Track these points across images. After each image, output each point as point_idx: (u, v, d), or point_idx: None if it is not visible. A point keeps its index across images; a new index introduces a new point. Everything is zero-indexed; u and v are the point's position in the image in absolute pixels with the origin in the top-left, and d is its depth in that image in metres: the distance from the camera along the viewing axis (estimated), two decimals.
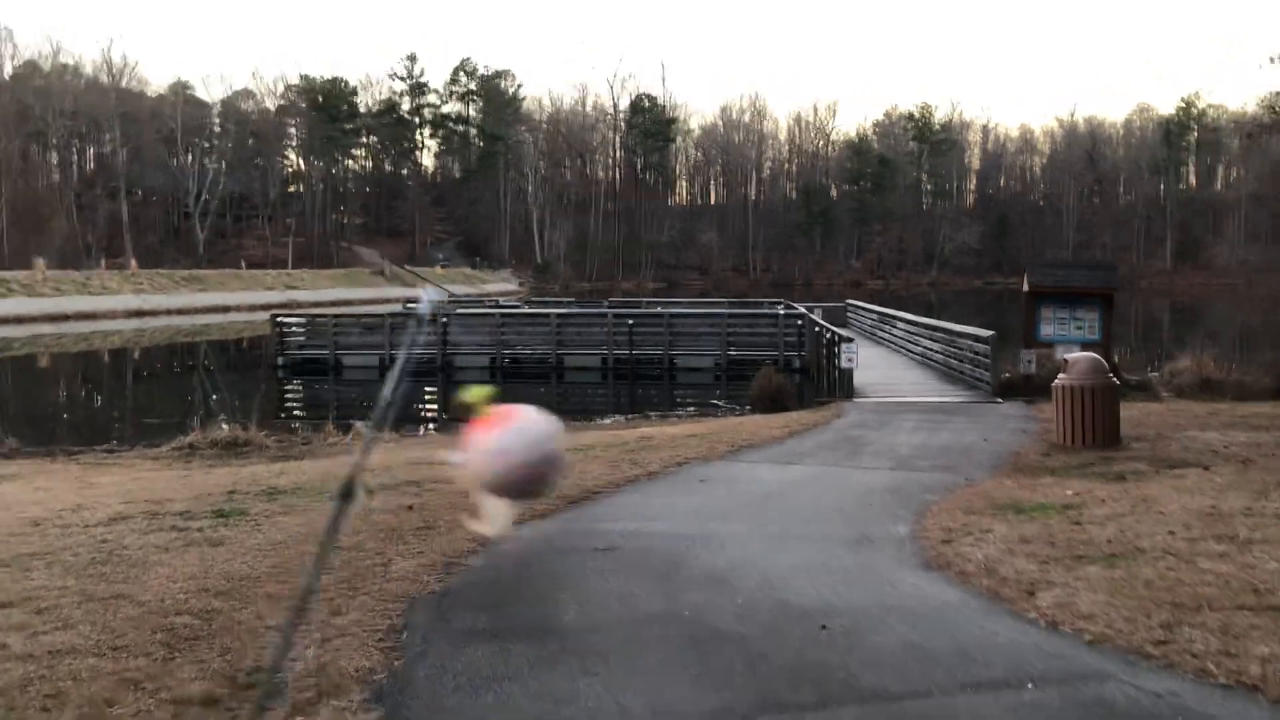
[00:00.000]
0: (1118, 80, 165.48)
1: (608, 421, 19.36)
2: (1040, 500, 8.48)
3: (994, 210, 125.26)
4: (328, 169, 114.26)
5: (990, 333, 18.24)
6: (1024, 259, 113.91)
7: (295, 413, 24.42)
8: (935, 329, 22.41)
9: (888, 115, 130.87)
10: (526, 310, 36.98)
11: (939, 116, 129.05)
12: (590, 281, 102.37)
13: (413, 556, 6.73)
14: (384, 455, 13.21)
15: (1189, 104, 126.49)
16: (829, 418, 15.26)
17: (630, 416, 20.25)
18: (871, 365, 21.44)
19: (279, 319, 29.92)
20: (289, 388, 27.83)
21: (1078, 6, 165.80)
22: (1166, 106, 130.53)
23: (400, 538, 7.26)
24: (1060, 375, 12.32)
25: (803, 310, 29.27)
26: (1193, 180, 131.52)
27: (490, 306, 38.65)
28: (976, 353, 18.88)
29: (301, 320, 31.29)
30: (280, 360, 28.84)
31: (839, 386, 18.34)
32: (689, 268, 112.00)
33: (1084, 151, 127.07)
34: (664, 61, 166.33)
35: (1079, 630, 4.94)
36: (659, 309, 35.21)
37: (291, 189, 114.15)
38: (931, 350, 22.67)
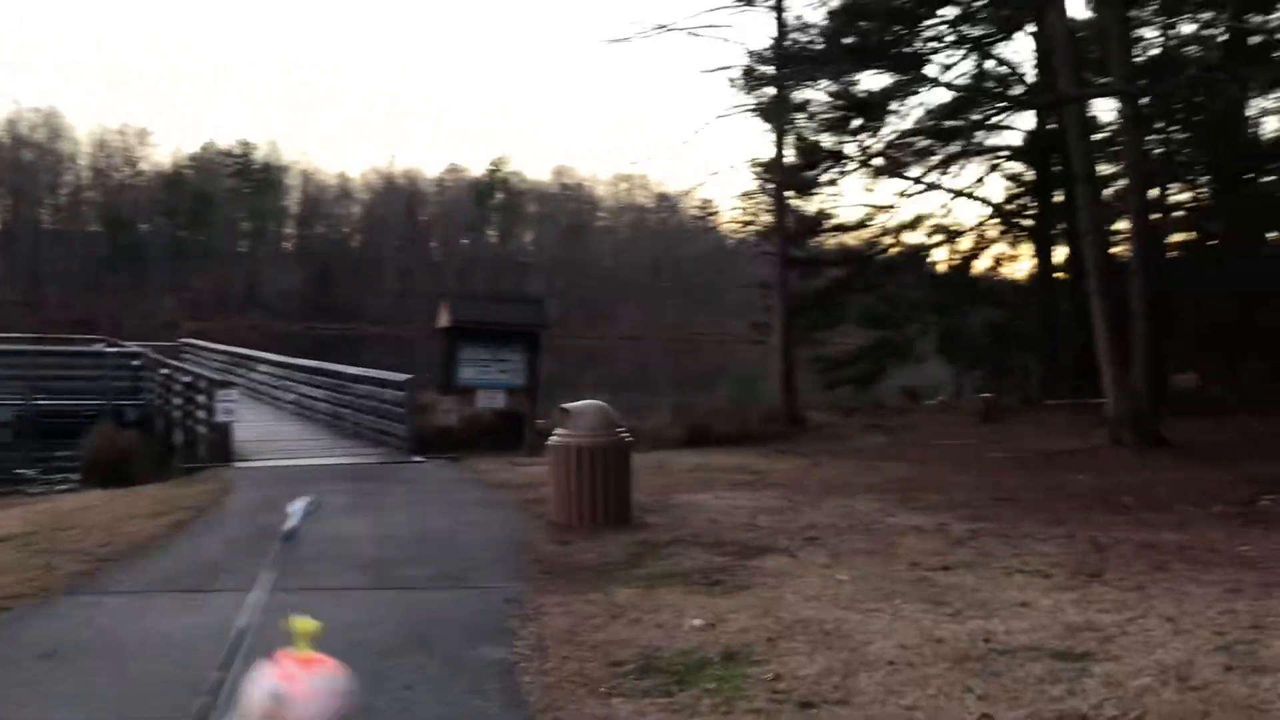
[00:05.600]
0: (431, 137, 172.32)
1: None
2: (671, 642, 5.24)
3: (315, 255, 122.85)
4: None
5: (406, 376, 14.84)
6: (348, 304, 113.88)
7: None
8: (320, 372, 18.44)
9: (205, 149, 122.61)
10: None
11: (259, 156, 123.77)
12: None
13: None
14: None
15: (495, 168, 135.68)
16: (216, 495, 10.70)
17: None
18: (241, 417, 16.84)
19: None
20: None
21: (387, 61, 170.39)
22: (476, 168, 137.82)
23: None
24: (559, 430, 9.30)
25: (139, 349, 23.28)
26: (498, 238, 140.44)
27: None
28: (383, 400, 15.36)
29: None
30: None
31: (211, 447, 13.68)
32: None
33: (403, 203, 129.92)
34: None
35: None
36: None
37: None
38: (310, 398, 18.68)
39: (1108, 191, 21.87)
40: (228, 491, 10.93)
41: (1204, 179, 26.04)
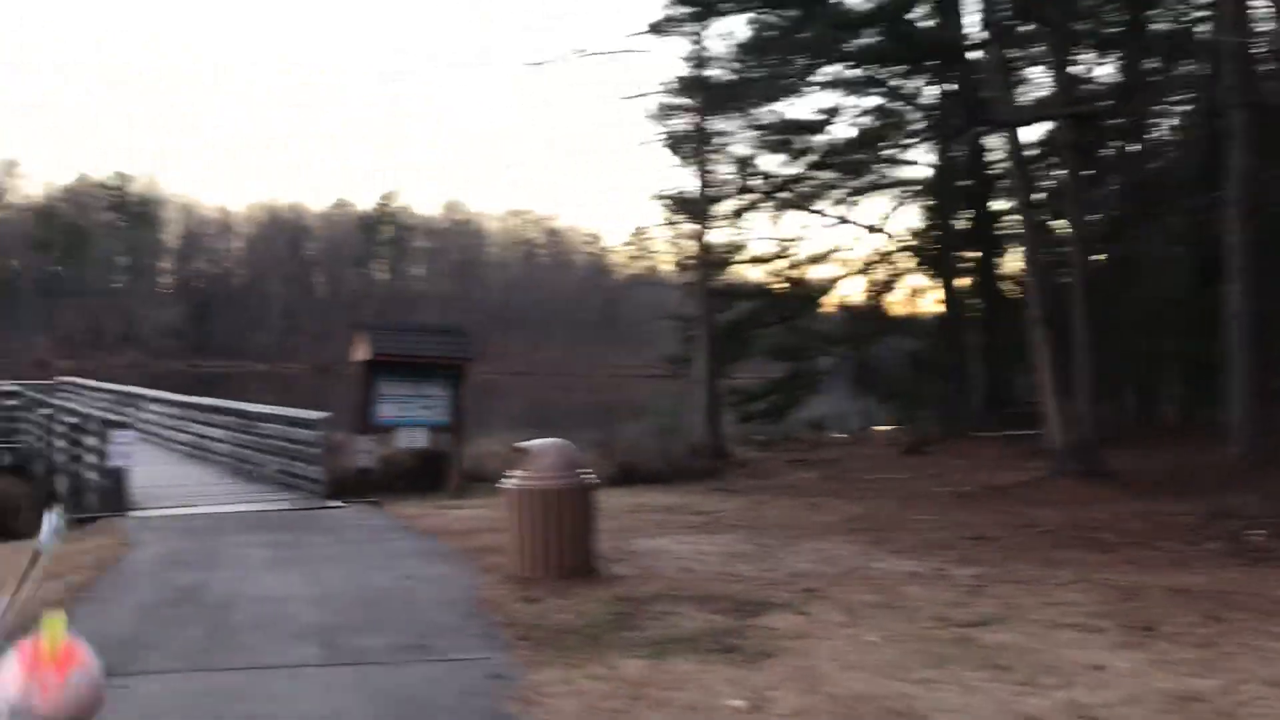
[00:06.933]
0: (318, 171, 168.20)
1: None
2: None
3: (196, 291, 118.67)
4: None
5: (323, 414, 13.66)
6: (230, 342, 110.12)
7: None
8: (221, 411, 17.02)
9: (79, 181, 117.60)
10: None
11: (136, 189, 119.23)
12: None
13: None
14: None
15: (385, 202, 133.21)
16: (115, 551, 9.42)
17: None
18: (136, 461, 15.40)
19: None
20: None
21: (275, 93, 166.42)
22: (365, 202, 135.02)
23: None
24: (518, 472, 8.34)
25: (15, 387, 21.32)
26: (387, 274, 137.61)
27: None
28: (293, 440, 14.14)
29: None
30: None
31: (104, 495, 12.30)
32: None
33: (287, 238, 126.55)
34: None
35: None
36: None
37: None
38: (209, 439, 17.27)
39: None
40: (128, 546, 9.66)
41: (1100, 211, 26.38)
